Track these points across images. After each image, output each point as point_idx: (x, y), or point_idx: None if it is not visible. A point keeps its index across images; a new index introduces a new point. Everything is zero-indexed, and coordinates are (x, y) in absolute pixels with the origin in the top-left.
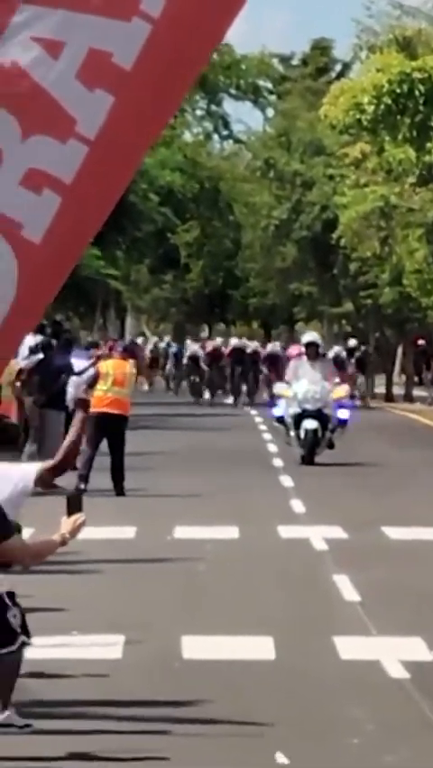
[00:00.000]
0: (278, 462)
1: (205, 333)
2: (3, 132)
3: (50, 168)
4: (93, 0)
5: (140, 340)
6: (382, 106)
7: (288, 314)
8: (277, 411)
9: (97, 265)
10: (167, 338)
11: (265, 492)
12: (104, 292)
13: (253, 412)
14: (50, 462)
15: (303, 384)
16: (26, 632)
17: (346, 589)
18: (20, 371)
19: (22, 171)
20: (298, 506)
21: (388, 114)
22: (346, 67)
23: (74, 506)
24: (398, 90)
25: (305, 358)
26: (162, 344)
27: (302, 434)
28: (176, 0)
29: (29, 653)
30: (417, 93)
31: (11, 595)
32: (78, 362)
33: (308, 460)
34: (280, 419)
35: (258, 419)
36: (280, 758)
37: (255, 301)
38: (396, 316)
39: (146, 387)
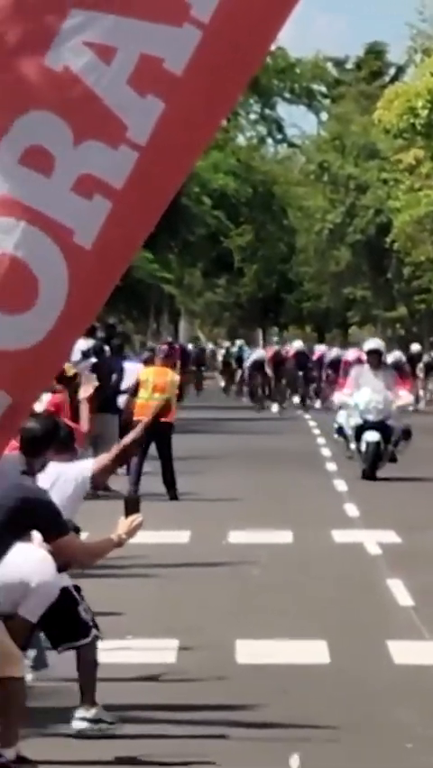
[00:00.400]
0: (331, 466)
1: (274, 338)
2: (55, 137)
3: (101, 173)
4: (145, 5)
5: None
6: None
7: (341, 318)
8: (337, 422)
9: (151, 268)
10: (239, 342)
11: (319, 496)
12: (157, 296)
13: (307, 416)
14: (103, 459)
15: (365, 393)
16: (97, 626)
17: (400, 593)
18: (75, 375)
19: (74, 177)
20: (351, 509)
21: None
22: (400, 70)
23: (131, 507)
24: None
25: (367, 366)
26: (234, 349)
27: (363, 447)
28: (226, 5)
29: None
30: None
31: (78, 588)
32: (131, 367)
33: (369, 474)
34: (340, 430)
35: (312, 423)
36: (294, 761)
37: (309, 305)
38: None
39: (222, 383)
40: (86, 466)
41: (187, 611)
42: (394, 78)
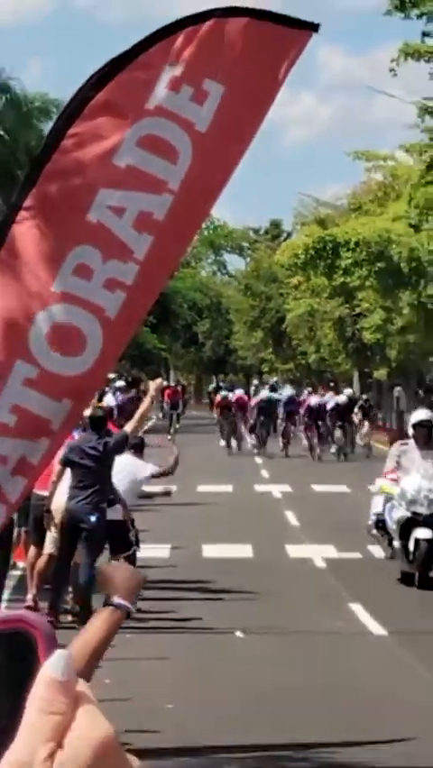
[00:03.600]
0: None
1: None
2: (92, 259)
3: (119, 276)
4: (140, 184)
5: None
6: (309, 255)
7: (258, 369)
8: (373, 513)
9: (153, 340)
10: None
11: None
12: (157, 357)
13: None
14: (159, 469)
15: (413, 480)
16: (137, 543)
17: (292, 520)
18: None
19: (103, 280)
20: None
21: (312, 259)
22: (289, 235)
23: (158, 374)
24: (317, 246)
25: (412, 442)
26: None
27: (412, 546)
28: (187, 181)
29: None
30: (327, 248)
31: (132, 522)
32: None
33: (422, 579)
34: (381, 525)
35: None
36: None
37: (240, 362)
38: (317, 369)
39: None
40: (146, 471)
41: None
42: (286, 238)
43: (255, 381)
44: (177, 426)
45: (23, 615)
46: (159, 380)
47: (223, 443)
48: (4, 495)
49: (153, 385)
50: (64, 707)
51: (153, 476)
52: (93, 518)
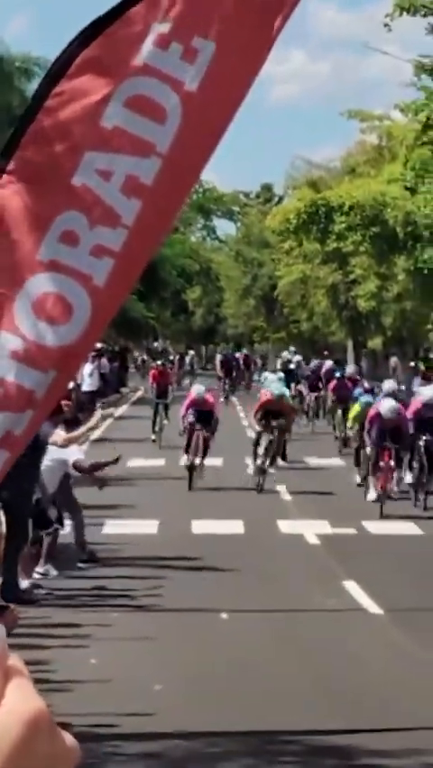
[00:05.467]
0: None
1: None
2: (79, 224)
3: (106, 243)
4: (128, 146)
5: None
6: (301, 219)
7: (249, 338)
8: None
9: (142, 309)
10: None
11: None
12: (146, 326)
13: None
14: (84, 463)
15: None
16: (61, 523)
17: (285, 496)
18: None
19: (90, 246)
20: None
21: (304, 224)
22: (281, 198)
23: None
24: (309, 210)
25: None
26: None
27: None
28: (177, 143)
29: None
30: (320, 212)
31: (54, 501)
32: None
33: None
34: None
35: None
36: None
37: (231, 331)
38: (310, 338)
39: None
40: (72, 455)
41: (163, 507)
42: (278, 202)
43: (285, 354)
44: (165, 422)
45: None
46: (108, 411)
47: (252, 469)
48: None
49: (98, 414)
50: None
51: (62, 445)
52: (5, 493)
